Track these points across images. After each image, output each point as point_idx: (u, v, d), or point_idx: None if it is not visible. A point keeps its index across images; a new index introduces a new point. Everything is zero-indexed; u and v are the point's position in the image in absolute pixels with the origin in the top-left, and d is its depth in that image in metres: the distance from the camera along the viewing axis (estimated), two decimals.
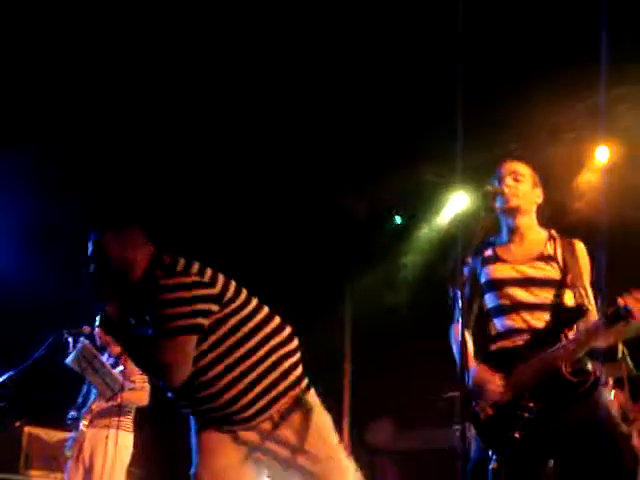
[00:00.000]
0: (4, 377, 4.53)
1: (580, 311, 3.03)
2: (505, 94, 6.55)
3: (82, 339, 4.95)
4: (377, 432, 7.49)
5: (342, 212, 8.45)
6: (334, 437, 3.01)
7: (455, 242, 7.57)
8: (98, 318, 2.99)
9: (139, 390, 5.27)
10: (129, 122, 6.76)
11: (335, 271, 8.32)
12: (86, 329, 5.24)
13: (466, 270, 3.20)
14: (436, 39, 6.09)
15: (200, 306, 2.79)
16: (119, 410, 5.07)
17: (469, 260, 3.19)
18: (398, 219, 8.27)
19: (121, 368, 5.15)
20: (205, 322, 2.79)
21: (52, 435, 6.13)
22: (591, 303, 3.07)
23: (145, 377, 5.22)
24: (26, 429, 6.19)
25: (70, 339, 4.77)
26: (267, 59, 6.35)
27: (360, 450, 7.01)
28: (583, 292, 3.07)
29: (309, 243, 8.12)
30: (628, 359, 4.01)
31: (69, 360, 4.91)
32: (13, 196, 6.93)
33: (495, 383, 2.97)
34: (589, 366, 3.00)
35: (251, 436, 2.92)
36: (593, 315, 3.03)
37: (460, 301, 2.91)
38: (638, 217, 6.32)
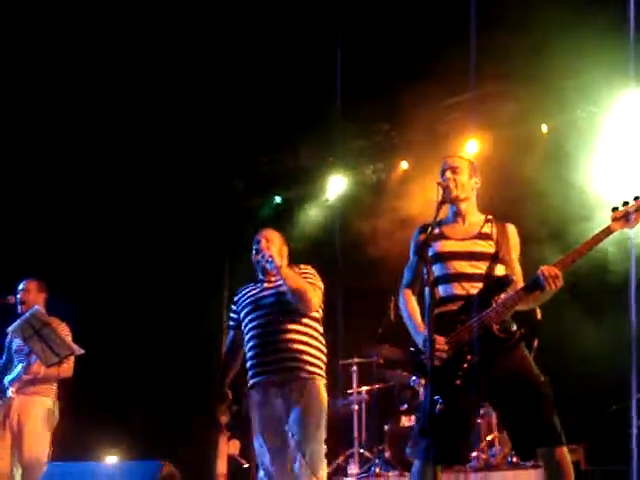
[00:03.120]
0: None
1: (507, 281, 3.68)
2: (385, 85, 7.08)
3: (35, 307, 5.09)
4: None
5: (222, 191, 8.76)
6: None
7: (336, 221, 8.07)
8: None
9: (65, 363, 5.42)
10: None
11: (215, 249, 8.61)
12: (11, 299, 5.39)
13: (415, 243, 3.86)
14: (318, 20, 6.53)
15: None
16: (45, 380, 5.39)
17: (420, 237, 3.79)
18: (277, 199, 8.71)
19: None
20: None
21: None
22: (517, 275, 3.73)
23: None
24: None
25: None
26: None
27: None
28: (511, 266, 3.75)
29: (190, 221, 8.35)
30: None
31: (12, 328, 5.04)
32: None
33: (440, 343, 3.54)
34: (514, 327, 3.66)
35: None
36: (518, 284, 3.69)
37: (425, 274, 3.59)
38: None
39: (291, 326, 4.21)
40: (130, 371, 7.85)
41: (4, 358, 5.61)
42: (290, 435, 4.02)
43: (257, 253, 4.38)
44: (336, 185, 8.33)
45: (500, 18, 5.96)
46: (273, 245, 4.41)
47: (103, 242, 8.10)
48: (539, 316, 3.65)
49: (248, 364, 4.29)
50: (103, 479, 4.59)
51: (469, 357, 3.57)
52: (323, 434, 4.14)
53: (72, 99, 7.15)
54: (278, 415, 4.11)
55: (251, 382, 4.24)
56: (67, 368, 5.45)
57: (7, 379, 5.48)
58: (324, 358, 4.30)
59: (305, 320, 4.25)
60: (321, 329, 4.33)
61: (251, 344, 4.26)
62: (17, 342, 5.50)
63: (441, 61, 6.28)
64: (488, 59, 6.19)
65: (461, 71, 6.47)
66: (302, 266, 4.38)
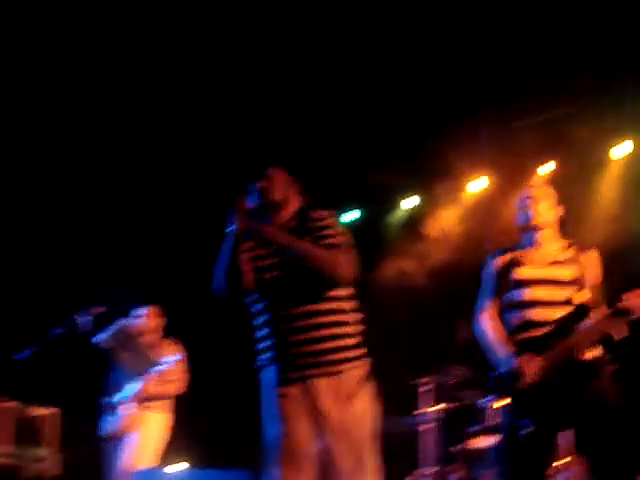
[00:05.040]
0: (23, 353, 4.78)
1: (589, 307, 3.72)
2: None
3: (121, 321, 5.29)
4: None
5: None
6: None
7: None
8: None
9: (176, 381, 5.67)
10: None
11: None
12: (99, 309, 5.57)
13: (493, 268, 3.89)
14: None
15: None
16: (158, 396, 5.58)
17: (499, 261, 3.83)
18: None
19: (162, 367, 5.58)
20: None
21: (34, 410, 6.22)
22: (598, 301, 3.75)
23: (182, 373, 5.67)
24: None
25: (84, 318, 5.01)
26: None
27: None
28: (594, 292, 3.80)
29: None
30: None
31: (100, 338, 5.22)
32: None
33: (531, 366, 3.61)
34: (599, 352, 3.69)
35: None
36: (602, 311, 3.71)
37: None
38: None
39: None
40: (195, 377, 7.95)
41: (113, 376, 5.76)
42: None
43: None
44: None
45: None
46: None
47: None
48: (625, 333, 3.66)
49: None
50: None
51: (555, 382, 3.62)
52: None
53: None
54: None
55: None
56: (175, 387, 5.64)
57: (121, 396, 5.66)
58: None
59: None
60: None
61: None
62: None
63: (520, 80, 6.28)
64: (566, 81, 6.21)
65: (537, 92, 6.50)
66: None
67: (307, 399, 3.23)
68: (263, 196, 3.40)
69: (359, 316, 3.39)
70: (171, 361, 5.62)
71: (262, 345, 3.37)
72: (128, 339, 5.17)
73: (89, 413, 6.26)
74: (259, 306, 3.38)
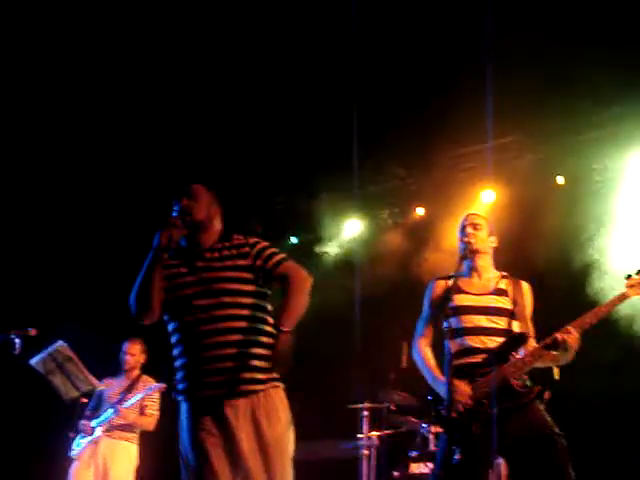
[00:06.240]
0: None
1: (524, 337, 3.78)
2: (402, 131, 7.15)
3: (59, 341, 5.21)
4: None
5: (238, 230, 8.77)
6: None
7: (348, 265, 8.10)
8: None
9: (150, 416, 5.97)
10: None
11: None
12: (32, 331, 5.45)
13: (432, 294, 3.96)
14: (337, 65, 6.61)
15: None
16: (132, 427, 5.90)
17: (436, 289, 3.88)
18: (294, 239, 8.77)
19: (139, 396, 5.84)
20: None
21: None
22: (531, 331, 3.85)
23: (157, 405, 5.97)
24: None
25: (17, 340, 4.90)
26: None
27: None
28: (526, 322, 3.86)
29: None
30: None
31: (34, 361, 5.14)
32: None
33: (462, 392, 3.64)
34: (529, 382, 3.75)
35: None
36: (532, 342, 3.79)
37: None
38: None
39: None
40: None
41: (93, 403, 6.01)
42: None
43: None
44: (352, 228, 8.42)
45: (518, 67, 6.07)
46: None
47: None
48: (557, 376, 3.72)
49: None
50: None
51: (487, 409, 3.62)
52: None
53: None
54: None
55: None
56: (150, 422, 5.95)
57: (95, 422, 5.87)
58: None
59: None
60: None
61: None
62: (108, 391, 5.97)
63: (458, 110, 6.37)
64: (505, 109, 6.30)
65: (478, 120, 6.59)
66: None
67: (220, 427, 3.17)
68: (186, 214, 3.32)
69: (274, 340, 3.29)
70: (153, 388, 5.87)
71: (176, 371, 3.33)
72: (62, 363, 5.11)
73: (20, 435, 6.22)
74: (173, 325, 3.33)
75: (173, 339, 3.33)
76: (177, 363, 3.31)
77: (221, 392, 3.17)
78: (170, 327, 3.36)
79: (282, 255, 3.39)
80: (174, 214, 3.32)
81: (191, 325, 3.24)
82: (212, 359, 3.18)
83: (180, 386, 3.29)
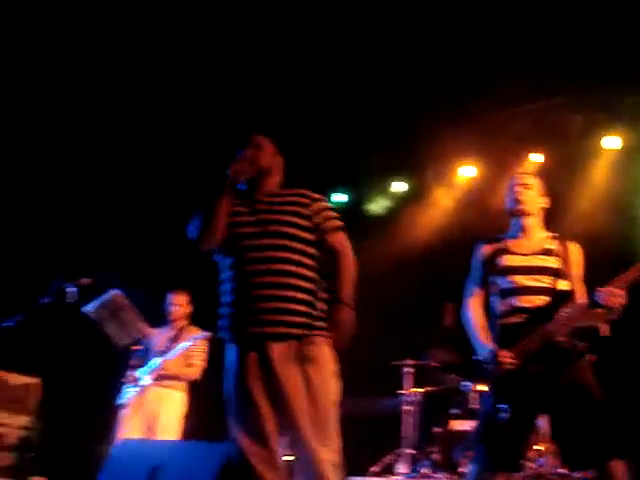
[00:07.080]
0: (9, 322, 4.79)
1: (569, 295, 3.80)
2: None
3: (114, 289, 5.36)
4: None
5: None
6: None
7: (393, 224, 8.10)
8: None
9: (194, 366, 6.02)
10: None
11: None
12: (86, 281, 5.60)
13: (480, 255, 3.97)
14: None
15: None
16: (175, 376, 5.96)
17: (486, 248, 3.90)
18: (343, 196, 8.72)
19: (185, 345, 5.85)
20: None
21: (17, 379, 6.32)
22: (580, 291, 3.83)
23: (203, 355, 6.03)
24: None
25: (72, 289, 5.01)
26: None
27: None
28: (577, 283, 3.86)
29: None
30: None
31: (88, 308, 5.27)
32: None
33: (506, 355, 3.68)
34: (576, 340, 3.74)
35: None
36: (582, 300, 3.77)
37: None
38: None
39: None
40: None
41: (140, 352, 6.01)
42: None
43: None
44: (399, 187, 8.47)
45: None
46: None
47: None
48: (607, 333, 3.72)
49: None
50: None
51: (533, 367, 3.67)
52: None
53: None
54: None
55: None
56: (194, 372, 6.00)
57: (141, 371, 5.93)
58: None
59: None
60: None
61: None
62: (154, 341, 6.02)
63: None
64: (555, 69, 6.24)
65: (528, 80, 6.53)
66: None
67: (264, 368, 3.18)
68: (251, 162, 3.37)
69: (326, 295, 3.36)
70: (199, 337, 5.87)
71: (224, 308, 3.35)
72: (116, 311, 5.24)
73: (73, 382, 6.33)
74: (226, 261, 3.36)
75: (224, 275, 3.36)
76: (226, 299, 3.34)
77: (267, 331, 3.19)
78: (223, 264, 3.38)
79: (340, 223, 3.42)
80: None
81: (244, 262, 3.28)
82: (261, 298, 3.21)
83: (226, 322, 3.31)
